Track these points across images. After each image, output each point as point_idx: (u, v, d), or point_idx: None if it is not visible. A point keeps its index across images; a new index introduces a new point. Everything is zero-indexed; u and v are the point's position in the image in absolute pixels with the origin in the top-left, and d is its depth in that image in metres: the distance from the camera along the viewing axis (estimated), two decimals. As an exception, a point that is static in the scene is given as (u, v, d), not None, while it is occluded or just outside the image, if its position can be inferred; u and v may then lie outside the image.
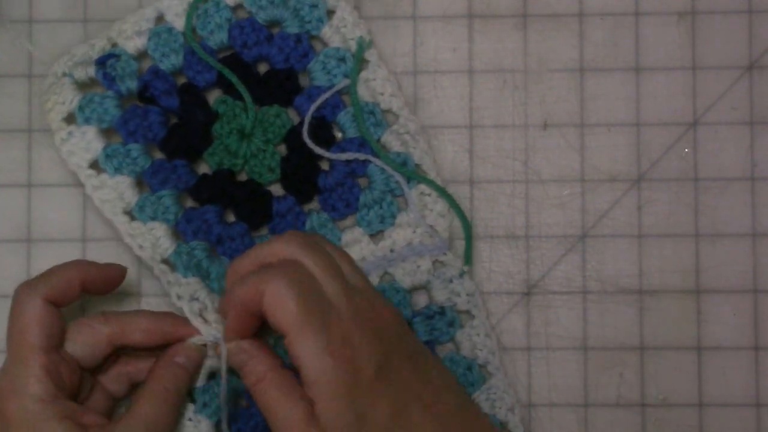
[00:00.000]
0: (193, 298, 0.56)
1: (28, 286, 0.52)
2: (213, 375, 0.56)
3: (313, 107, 0.59)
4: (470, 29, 0.61)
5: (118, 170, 0.58)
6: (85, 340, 0.53)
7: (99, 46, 0.59)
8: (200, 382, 0.56)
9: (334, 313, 0.50)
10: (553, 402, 0.59)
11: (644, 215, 0.60)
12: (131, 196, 0.58)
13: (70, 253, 0.59)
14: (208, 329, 0.55)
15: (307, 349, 0.49)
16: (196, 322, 0.55)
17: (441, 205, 0.59)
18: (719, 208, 0.59)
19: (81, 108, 0.58)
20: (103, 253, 0.59)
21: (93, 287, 0.54)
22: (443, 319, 0.58)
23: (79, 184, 0.59)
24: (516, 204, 0.60)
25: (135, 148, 0.58)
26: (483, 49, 0.60)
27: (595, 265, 0.59)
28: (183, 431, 0.55)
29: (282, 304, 0.49)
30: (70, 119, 0.59)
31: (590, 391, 0.59)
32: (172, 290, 0.57)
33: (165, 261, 0.58)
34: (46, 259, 0.59)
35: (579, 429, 0.59)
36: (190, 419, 0.55)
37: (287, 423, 0.50)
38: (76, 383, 0.53)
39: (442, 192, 0.59)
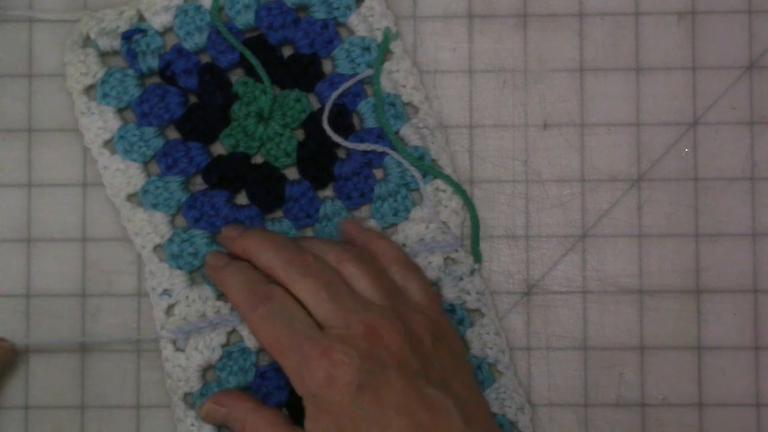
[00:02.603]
0: (165, 292, 0.56)
1: None
2: (207, 377, 0.56)
3: (334, 95, 0.58)
4: (470, 29, 0.61)
5: (128, 153, 0.58)
6: None
7: (127, 15, 0.59)
8: (195, 386, 0.56)
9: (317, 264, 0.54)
10: (553, 402, 0.59)
11: (644, 215, 0.60)
12: (139, 180, 0.58)
13: (70, 253, 0.59)
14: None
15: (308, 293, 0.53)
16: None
17: (455, 202, 0.59)
18: (719, 208, 0.59)
19: (103, 83, 0.58)
20: (103, 253, 0.59)
21: None
22: (453, 317, 0.58)
23: (80, 184, 0.59)
24: (516, 204, 0.60)
25: (149, 131, 0.58)
26: (483, 49, 0.60)
27: (595, 265, 0.59)
28: None
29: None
30: (89, 91, 0.59)
31: (590, 391, 0.59)
32: (148, 280, 0.57)
33: (158, 248, 0.58)
34: (46, 259, 0.59)
35: (579, 429, 0.59)
36: (192, 425, 0.55)
37: None
38: None
39: (458, 189, 0.59)
